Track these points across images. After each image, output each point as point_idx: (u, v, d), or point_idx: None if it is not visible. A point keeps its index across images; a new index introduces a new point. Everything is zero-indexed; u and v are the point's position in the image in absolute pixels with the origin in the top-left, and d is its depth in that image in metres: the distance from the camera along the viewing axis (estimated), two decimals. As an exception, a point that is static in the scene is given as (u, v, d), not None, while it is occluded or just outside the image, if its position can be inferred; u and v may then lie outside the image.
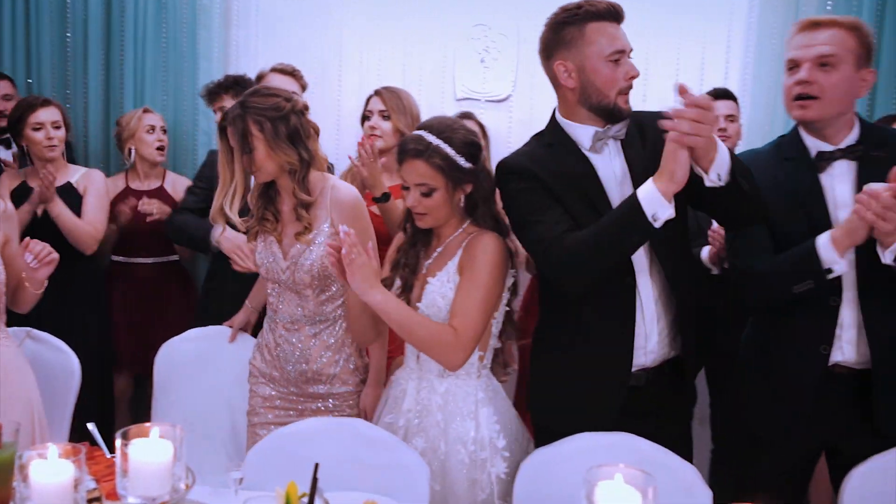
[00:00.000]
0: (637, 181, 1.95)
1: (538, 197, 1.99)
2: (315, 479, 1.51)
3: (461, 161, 2.06)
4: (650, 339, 2.02)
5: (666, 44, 3.64)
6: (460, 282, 2.06)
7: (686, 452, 2.04)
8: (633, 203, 1.82)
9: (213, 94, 3.44)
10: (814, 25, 2.10)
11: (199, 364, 2.85)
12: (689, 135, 1.74)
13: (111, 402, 3.55)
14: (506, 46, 3.84)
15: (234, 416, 2.71)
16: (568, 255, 1.90)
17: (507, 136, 3.74)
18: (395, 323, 2.01)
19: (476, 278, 2.03)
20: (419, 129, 2.12)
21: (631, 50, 2.01)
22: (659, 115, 1.83)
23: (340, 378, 2.37)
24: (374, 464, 1.95)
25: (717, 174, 1.82)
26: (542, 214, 1.97)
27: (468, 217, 2.15)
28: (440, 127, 2.09)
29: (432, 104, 3.79)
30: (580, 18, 1.98)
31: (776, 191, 2.08)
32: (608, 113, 2.00)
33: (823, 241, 1.96)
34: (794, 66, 2.11)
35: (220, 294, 3.19)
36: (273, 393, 2.42)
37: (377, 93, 3.26)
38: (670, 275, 2.03)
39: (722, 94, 3.25)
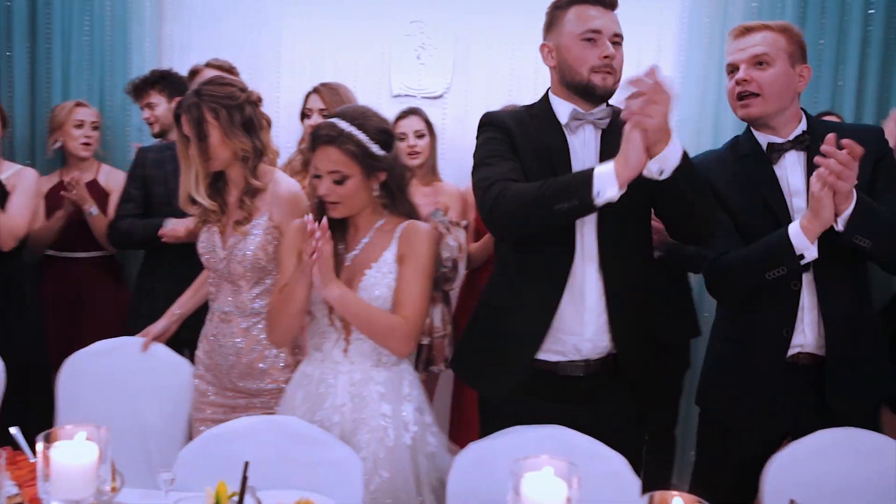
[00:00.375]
0: None
1: (502, 148, 2.06)
2: (245, 478, 1.50)
3: (375, 148, 2.06)
4: (587, 329, 2.06)
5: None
6: (403, 271, 2.07)
7: (630, 445, 2.06)
8: (585, 174, 1.85)
9: (140, 89, 3.37)
10: (746, 31, 2.22)
11: (108, 382, 2.57)
12: (639, 113, 1.77)
13: (50, 405, 3.44)
14: (442, 43, 3.86)
15: (148, 441, 2.48)
16: (505, 200, 1.94)
17: (442, 133, 3.76)
18: (354, 314, 2.02)
19: (420, 267, 2.07)
20: (332, 116, 2.12)
21: (616, 34, 2.05)
22: None
23: (270, 375, 2.36)
24: (307, 461, 1.94)
25: (658, 167, 1.84)
26: (498, 162, 2.03)
27: (385, 206, 2.15)
28: (353, 114, 2.10)
29: (368, 101, 3.74)
30: (566, 2, 2.07)
31: (736, 186, 2.20)
32: (584, 91, 2.05)
33: (794, 230, 2.05)
34: (733, 69, 2.22)
35: (153, 293, 3.13)
36: (209, 388, 2.42)
37: (316, 90, 3.24)
38: (618, 271, 2.06)
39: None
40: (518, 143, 2.06)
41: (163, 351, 2.63)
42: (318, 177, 2.08)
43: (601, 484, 1.83)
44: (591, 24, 2.02)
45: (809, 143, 2.18)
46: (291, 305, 2.07)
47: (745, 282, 2.16)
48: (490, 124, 2.12)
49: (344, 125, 2.05)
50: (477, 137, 2.15)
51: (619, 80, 2.04)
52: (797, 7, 3.46)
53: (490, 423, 2.11)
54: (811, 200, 2.03)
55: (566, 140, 2.08)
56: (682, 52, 3.67)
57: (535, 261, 2.07)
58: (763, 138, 2.22)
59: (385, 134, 2.10)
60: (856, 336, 2.17)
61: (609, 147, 2.03)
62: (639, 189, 1.88)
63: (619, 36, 2.06)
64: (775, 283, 2.13)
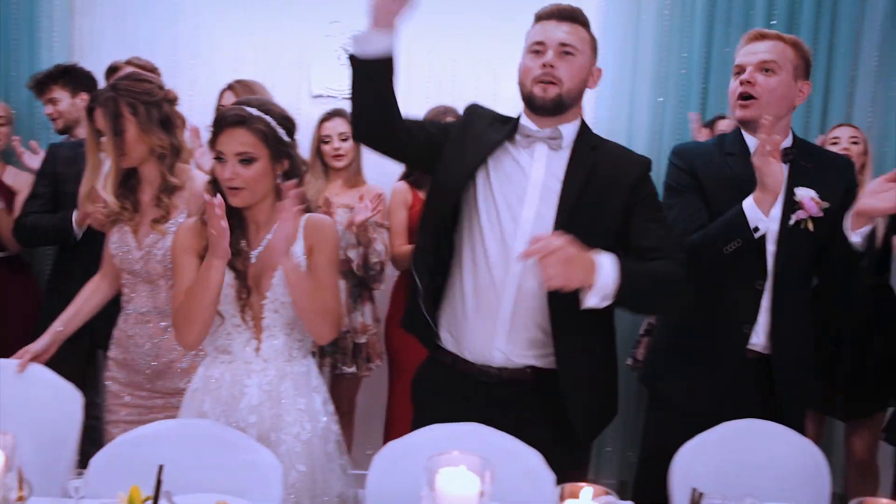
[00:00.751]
0: (565, 197, 2.00)
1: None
2: (159, 482, 1.49)
3: (282, 133, 2.07)
4: (497, 338, 2.06)
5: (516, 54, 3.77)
6: (315, 262, 2.08)
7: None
8: None
9: (42, 84, 3.29)
10: (760, 36, 2.31)
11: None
12: (547, 279, 1.77)
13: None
14: (362, 44, 3.85)
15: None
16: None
17: (361, 133, 3.77)
18: (308, 289, 2.00)
19: (333, 259, 2.11)
20: (236, 104, 2.13)
21: (563, 44, 2.02)
22: (636, 159, 2.08)
23: (189, 374, 2.33)
24: (225, 464, 1.92)
25: (599, 299, 1.85)
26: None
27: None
28: (257, 103, 2.10)
29: (287, 101, 3.72)
30: (534, 21, 2.10)
31: (720, 180, 2.28)
32: (527, 102, 2.07)
33: (748, 203, 2.14)
34: (740, 70, 2.30)
35: (66, 295, 3.03)
36: (124, 389, 2.38)
37: (230, 87, 3.21)
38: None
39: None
40: (462, 142, 2.10)
41: (44, 375, 2.28)
42: (221, 160, 2.03)
43: (517, 480, 1.87)
44: (539, 36, 2.04)
45: (793, 158, 2.27)
46: (206, 295, 1.98)
47: (707, 257, 2.22)
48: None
49: (251, 110, 2.04)
50: None
51: (569, 93, 2.03)
52: (705, 15, 3.60)
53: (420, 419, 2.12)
54: (756, 173, 2.12)
55: (511, 154, 2.08)
56: (598, 58, 3.75)
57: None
58: (752, 141, 2.30)
59: (288, 121, 2.12)
60: (799, 340, 2.32)
61: (577, 170, 2.03)
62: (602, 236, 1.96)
63: (566, 45, 2.02)
64: (743, 280, 2.24)
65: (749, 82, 2.24)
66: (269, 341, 2.10)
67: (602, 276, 1.84)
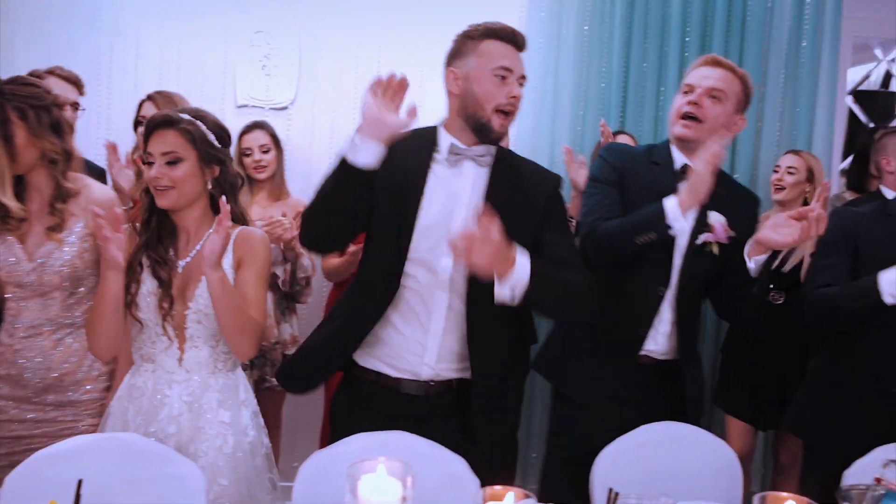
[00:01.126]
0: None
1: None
2: (78, 496, 1.46)
3: (212, 137, 2.07)
4: (427, 353, 2.10)
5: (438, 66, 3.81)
6: (243, 275, 2.07)
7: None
8: None
9: None
10: (715, 63, 2.38)
11: None
12: (468, 259, 1.83)
13: None
14: (287, 54, 3.84)
15: None
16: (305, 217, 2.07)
17: (288, 144, 3.74)
18: (229, 303, 1.97)
19: (261, 273, 2.09)
20: (167, 111, 2.13)
21: (522, 76, 2.08)
22: (548, 176, 2.14)
23: (83, 385, 2.28)
24: (146, 477, 1.89)
25: (510, 292, 1.92)
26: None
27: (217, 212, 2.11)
28: (189, 110, 2.12)
29: (212, 110, 3.69)
30: (479, 34, 2.09)
31: (642, 185, 2.34)
32: (480, 128, 2.06)
33: (671, 201, 2.21)
34: (689, 90, 2.36)
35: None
36: (8, 404, 2.26)
37: (150, 98, 3.16)
38: (475, 297, 2.10)
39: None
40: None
41: None
42: (150, 163, 2.04)
43: (441, 485, 1.89)
44: (504, 61, 2.05)
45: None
46: (104, 305, 2.00)
47: (618, 247, 2.29)
48: None
49: (182, 115, 2.06)
50: None
51: (512, 121, 2.09)
52: (623, 31, 3.71)
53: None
54: (694, 177, 2.20)
55: (427, 170, 2.09)
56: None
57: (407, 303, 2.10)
58: (680, 157, 2.39)
59: (221, 129, 2.12)
60: (690, 346, 2.44)
61: (491, 192, 2.08)
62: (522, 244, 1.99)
63: (524, 78, 2.10)
64: (646, 285, 2.32)
65: (697, 104, 2.32)
66: (193, 352, 2.08)
67: (518, 269, 1.91)
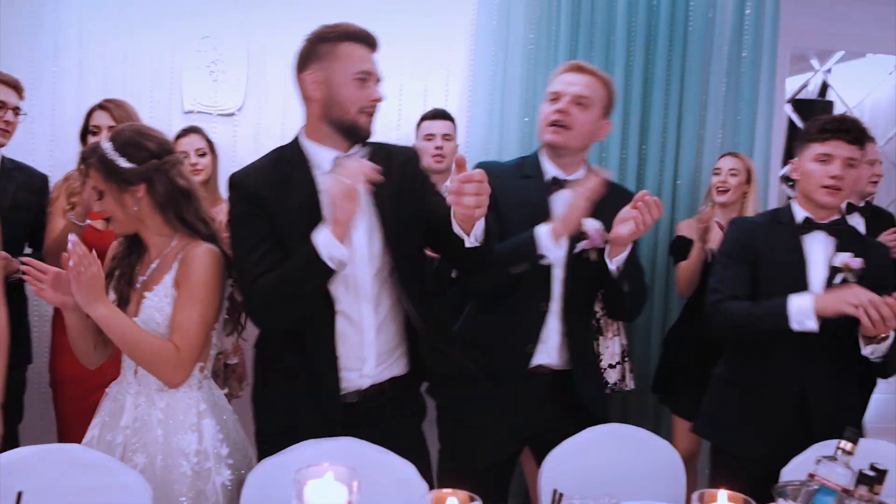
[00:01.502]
0: (380, 209, 2.07)
1: (253, 226, 2.02)
2: (18, 509, 1.44)
3: (121, 162, 2.02)
4: (367, 364, 2.11)
5: (390, 75, 3.82)
6: (178, 297, 2.03)
7: (417, 453, 2.15)
8: (310, 250, 1.90)
9: None
10: (579, 69, 2.40)
11: None
12: (473, 207, 1.86)
13: None
14: (235, 60, 3.82)
15: None
16: (259, 299, 1.99)
17: (234, 151, 3.73)
18: (119, 337, 1.96)
19: (194, 294, 2.02)
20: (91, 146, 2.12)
21: (380, 79, 2.09)
22: (410, 150, 2.08)
23: None
24: (92, 488, 1.86)
25: (475, 237, 1.97)
26: (250, 248, 2.01)
27: (173, 226, 2.10)
28: (118, 129, 2.13)
29: (159, 117, 3.68)
30: (336, 36, 2.07)
31: (514, 203, 2.34)
32: (348, 130, 2.05)
33: (544, 231, 2.23)
34: (555, 98, 2.38)
35: None
36: None
37: (102, 107, 3.10)
38: (395, 303, 2.13)
39: (440, 114, 3.51)
40: (272, 209, 2.02)
41: None
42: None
43: (391, 490, 1.91)
44: (364, 65, 2.05)
45: None
46: (70, 332, 2.09)
47: (495, 276, 2.30)
48: (234, 188, 2.09)
49: (98, 146, 2.06)
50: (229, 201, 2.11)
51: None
52: (569, 40, 3.76)
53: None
54: (569, 207, 2.23)
55: (315, 188, 2.06)
56: (470, 79, 3.87)
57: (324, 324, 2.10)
58: (550, 168, 2.41)
59: (130, 146, 2.04)
60: (585, 353, 2.49)
61: (375, 186, 2.07)
62: (417, 230, 2.06)
63: (380, 80, 2.10)
64: (524, 299, 2.34)
65: (564, 112, 2.35)
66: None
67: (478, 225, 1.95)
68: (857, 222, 3.51)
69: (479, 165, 2.45)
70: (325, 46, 2.06)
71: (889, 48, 5.31)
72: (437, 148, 3.46)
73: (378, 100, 2.07)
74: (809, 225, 2.47)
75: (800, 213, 2.49)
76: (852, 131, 2.40)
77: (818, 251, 2.46)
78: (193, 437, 2.05)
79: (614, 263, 2.29)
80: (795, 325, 2.29)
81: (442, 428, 2.75)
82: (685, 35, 3.82)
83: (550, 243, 2.23)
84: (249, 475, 1.97)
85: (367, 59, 2.07)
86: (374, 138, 2.15)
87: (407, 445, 2.09)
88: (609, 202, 2.31)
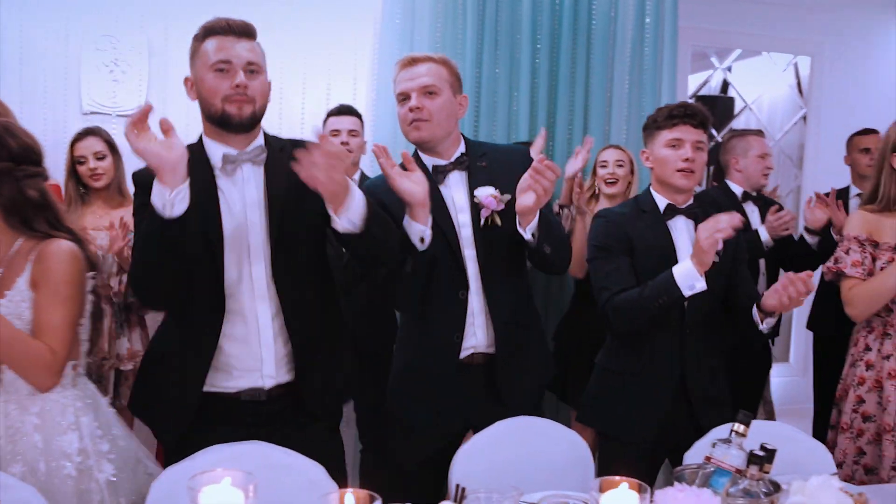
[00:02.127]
0: (273, 207, 2.05)
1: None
2: None
3: None
4: (266, 364, 2.10)
5: (293, 73, 3.83)
6: (39, 298, 1.95)
7: (330, 454, 2.15)
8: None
9: None
10: (413, 62, 2.37)
11: None
12: (308, 175, 1.83)
13: None
14: (136, 59, 3.73)
15: None
16: (133, 282, 2.01)
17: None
18: None
19: (58, 293, 1.96)
20: None
21: (250, 62, 2.02)
22: (302, 144, 1.95)
23: None
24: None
25: (348, 222, 1.93)
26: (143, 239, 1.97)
27: (16, 226, 2.01)
28: None
29: (55, 117, 3.57)
30: (201, 34, 2.05)
31: (398, 201, 2.27)
32: (221, 122, 2.02)
33: (415, 228, 2.21)
34: (405, 97, 2.36)
35: None
36: None
37: None
38: (289, 304, 2.11)
39: (346, 110, 3.49)
40: None
41: None
42: None
43: (300, 492, 1.89)
44: (220, 55, 2.00)
45: (469, 164, 2.39)
46: None
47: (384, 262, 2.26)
48: (137, 185, 2.06)
49: None
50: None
51: (260, 109, 2.06)
52: (475, 39, 3.79)
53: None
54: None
55: (215, 187, 2.05)
56: (376, 78, 3.87)
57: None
58: (429, 161, 2.40)
59: None
60: (520, 332, 2.44)
61: (271, 181, 2.06)
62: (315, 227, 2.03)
63: (253, 64, 2.03)
64: (446, 292, 2.34)
65: (418, 108, 2.34)
66: (7, 373, 1.98)
67: (354, 200, 1.93)
68: (752, 210, 3.73)
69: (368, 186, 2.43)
70: (194, 47, 2.06)
71: (783, 46, 5.55)
72: (344, 143, 3.45)
73: (241, 85, 1.99)
74: (672, 211, 2.56)
75: (661, 201, 2.57)
76: (697, 115, 2.50)
77: (683, 236, 2.55)
78: (74, 435, 2.00)
79: (528, 232, 2.27)
80: (687, 291, 2.35)
81: (362, 428, 2.76)
82: (589, 34, 3.90)
83: (423, 228, 2.22)
84: (153, 484, 1.92)
85: (224, 48, 2.01)
86: (281, 135, 2.14)
87: (318, 447, 2.08)
88: (495, 166, 2.36)
